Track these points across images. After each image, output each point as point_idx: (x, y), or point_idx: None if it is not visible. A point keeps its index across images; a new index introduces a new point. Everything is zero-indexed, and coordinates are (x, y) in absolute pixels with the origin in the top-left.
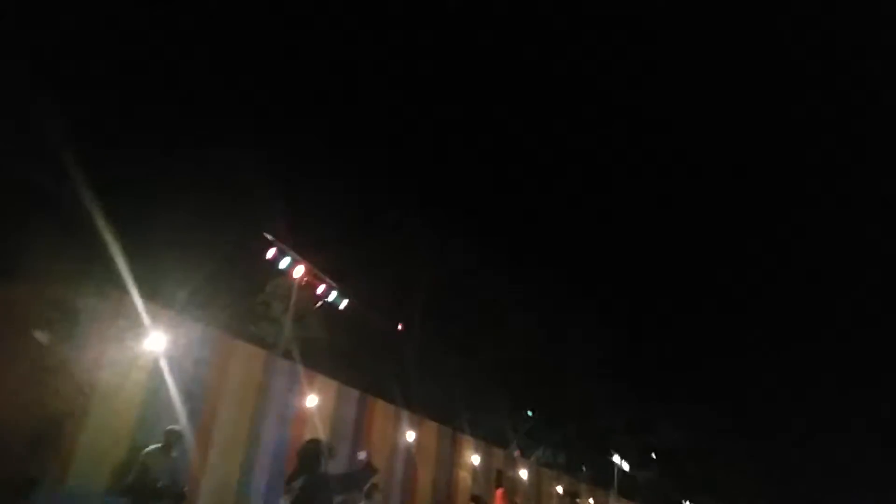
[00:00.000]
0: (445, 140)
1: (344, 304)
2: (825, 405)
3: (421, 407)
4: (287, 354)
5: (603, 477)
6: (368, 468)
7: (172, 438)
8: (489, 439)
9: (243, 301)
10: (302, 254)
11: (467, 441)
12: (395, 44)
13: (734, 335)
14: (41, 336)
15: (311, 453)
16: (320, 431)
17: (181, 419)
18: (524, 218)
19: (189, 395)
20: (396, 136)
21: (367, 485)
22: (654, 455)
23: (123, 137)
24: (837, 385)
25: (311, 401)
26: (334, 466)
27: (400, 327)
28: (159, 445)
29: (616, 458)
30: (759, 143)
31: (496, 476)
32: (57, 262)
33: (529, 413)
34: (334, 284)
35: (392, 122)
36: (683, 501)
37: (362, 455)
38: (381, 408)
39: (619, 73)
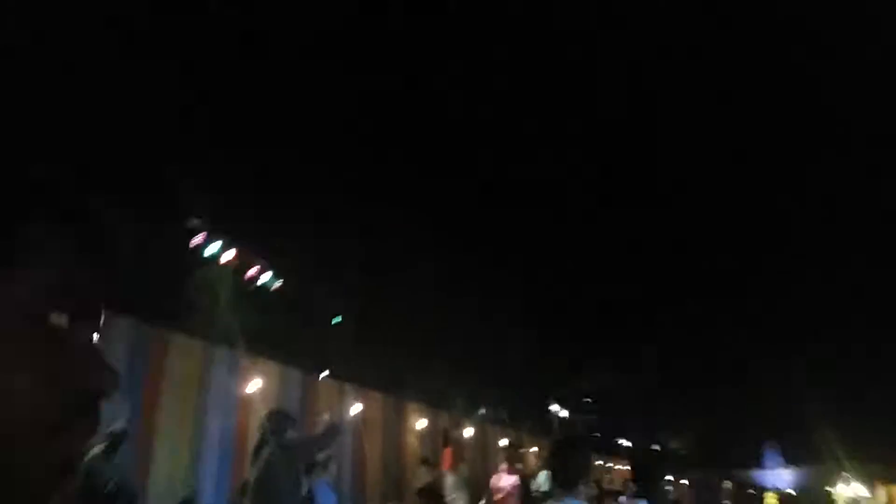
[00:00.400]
0: (382, 110)
1: (278, 284)
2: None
3: (364, 380)
4: (224, 342)
5: (544, 426)
6: (332, 429)
7: (116, 439)
8: (434, 403)
9: (173, 292)
10: (231, 237)
11: (412, 407)
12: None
13: (662, 281)
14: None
15: (273, 423)
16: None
17: (123, 418)
18: (456, 189)
19: (128, 394)
20: (327, 106)
21: (332, 446)
22: (589, 400)
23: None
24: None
25: (254, 386)
26: (296, 433)
27: (337, 303)
28: (103, 446)
29: (555, 408)
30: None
31: (443, 437)
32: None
33: (470, 373)
34: (267, 265)
35: (322, 94)
36: (617, 440)
37: (325, 417)
38: (324, 385)
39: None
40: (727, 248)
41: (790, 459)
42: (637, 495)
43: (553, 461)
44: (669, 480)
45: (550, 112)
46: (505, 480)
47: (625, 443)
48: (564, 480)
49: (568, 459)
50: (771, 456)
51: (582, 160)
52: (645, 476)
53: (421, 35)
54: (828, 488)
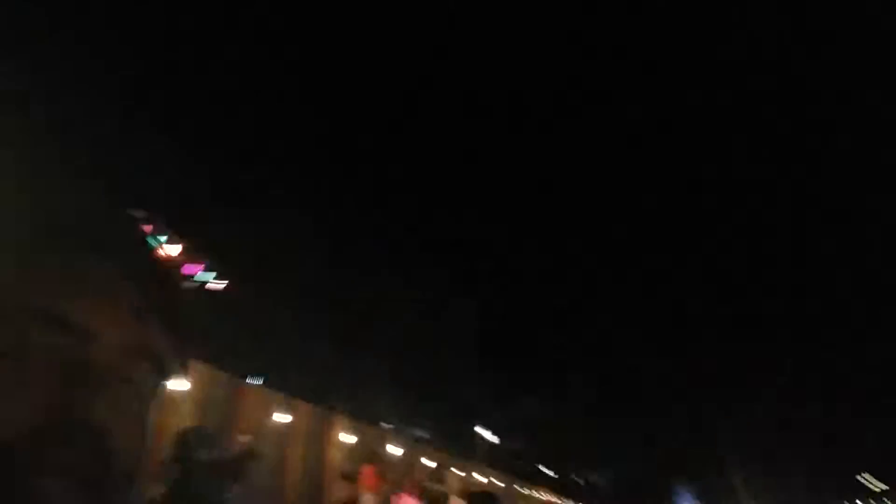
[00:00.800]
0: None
1: (216, 285)
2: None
3: (293, 389)
4: None
5: (469, 449)
6: (249, 453)
7: None
8: (362, 418)
9: None
10: (175, 232)
11: (340, 421)
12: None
13: (591, 324)
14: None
15: (187, 440)
16: (188, 417)
17: None
18: (398, 195)
19: None
20: (266, 101)
21: (246, 472)
22: (515, 426)
23: None
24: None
25: (178, 385)
26: (212, 453)
27: (273, 311)
28: None
29: (481, 431)
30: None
31: (368, 453)
32: None
33: (401, 392)
34: (207, 264)
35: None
36: (538, 465)
37: (245, 438)
38: (252, 391)
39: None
40: (648, 298)
41: (702, 499)
42: None
43: None
44: None
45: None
46: (403, 502)
47: (547, 472)
48: None
49: None
50: (683, 495)
51: (518, 180)
52: None
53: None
54: None
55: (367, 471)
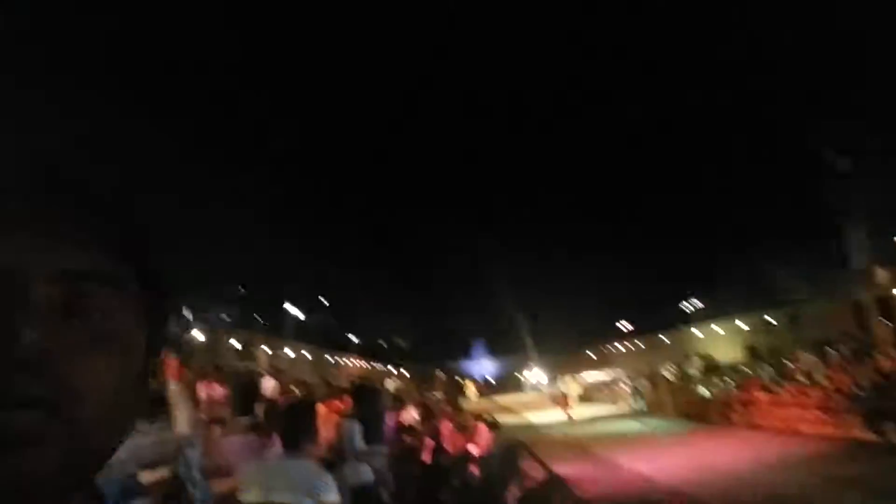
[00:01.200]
0: None
1: None
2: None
3: None
4: None
5: (277, 326)
6: None
7: None
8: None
9: None
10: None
11: None
12: None
13: (392, 192)
14: None
15: None
16: None
17: None
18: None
19: None
20: None
21: None
22: (323, 302)
23: None
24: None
25: None
26: None
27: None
28: None
29: (288, 307)
30: None
31: (168, 344)
32: None
33: (199, 272)
34: None
35: None
36: (348, 335)
37: None
38: None
39: None
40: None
41: (493, 351)
42: (354, 416)
43: (279, 427)
44: (393, 373)
45: None
46: (207, 390)
47: (354, 339)
48: (289, 444)
49: (292, 424)
50: (477, 348)
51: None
52: (363, 399)
53: None
54: (518, 375)
55: (168, 361)
